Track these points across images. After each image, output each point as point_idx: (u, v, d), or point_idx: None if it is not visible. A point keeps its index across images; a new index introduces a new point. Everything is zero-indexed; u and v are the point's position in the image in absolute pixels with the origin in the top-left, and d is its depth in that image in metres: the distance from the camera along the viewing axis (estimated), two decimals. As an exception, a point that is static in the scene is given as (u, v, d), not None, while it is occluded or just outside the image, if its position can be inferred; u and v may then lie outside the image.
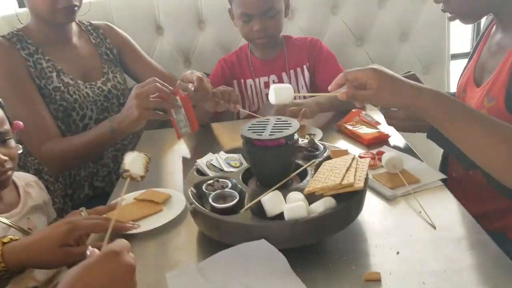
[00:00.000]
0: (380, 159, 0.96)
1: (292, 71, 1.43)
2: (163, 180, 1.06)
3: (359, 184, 0.72)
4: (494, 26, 1.00)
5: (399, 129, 1.08)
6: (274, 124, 0.80)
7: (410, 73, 1.02)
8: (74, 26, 1.33)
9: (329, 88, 0.81)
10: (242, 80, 1.47)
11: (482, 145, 0.70)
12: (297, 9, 1.73)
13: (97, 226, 0.76)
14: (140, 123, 1.09)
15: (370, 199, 0.87)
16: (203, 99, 1.15)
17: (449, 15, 0.94)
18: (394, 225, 0.80)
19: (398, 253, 0.71)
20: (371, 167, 0.94)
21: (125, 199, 0.93)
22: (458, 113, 0.71)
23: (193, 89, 1.10)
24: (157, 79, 1.07)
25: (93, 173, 1.32)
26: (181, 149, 1.24)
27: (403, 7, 1.70)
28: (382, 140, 1.09)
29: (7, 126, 0.89)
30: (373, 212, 0.83)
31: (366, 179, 0.76)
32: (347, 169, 0.76)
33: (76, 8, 1.20)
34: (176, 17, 1.70)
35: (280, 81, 1.44)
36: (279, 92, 0.86)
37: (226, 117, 1.44)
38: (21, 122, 0.94)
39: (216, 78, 1.45)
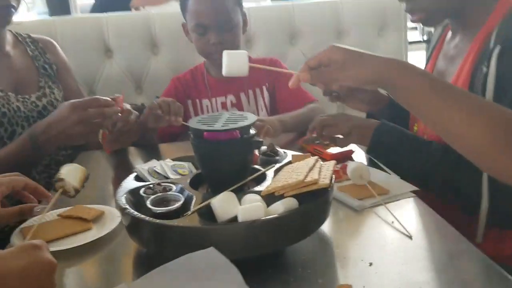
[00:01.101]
0: (345, 172, 0.88)
1: (251, 91, 1.36)
2: (96, 198, 0.90)
3: (325, 181, 0.62)
4: (449, 33, 1.00)
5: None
6: (228, 117, 0.70)
7: None
8: (8, 35, 1.20)
9: (290, 83, 0.71)
10: (197, 100, 1.37)
11: (456, 119, 0.60)
12: (255, 37, 1.69)
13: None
14: (77, 140, 0.98)
15: (336, 209, 0.77)
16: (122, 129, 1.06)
17: (414, 16, 0.91)
18: (364, 236, 0.70)
19: (371, 264, 0.60)
20: (336, 179, 0.85)
21: (46, 216, 0.77)
22: (431, 86, 0.61)
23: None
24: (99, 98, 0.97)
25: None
26: (119, 166, 1.12)
27: (359, 39, 1.71)
28: (345, 155, 1.01)
29: None
30: (339, 223, 0.73)
31: (332, 179, 0.66)
32: (310, 169, 0.66)
33: (12, 9, 1.08)
34: (127, 40, 1.61)
35: (238, 101, 1.35)
36: (232, 58, 0.73)
37: (181, 139, 1.31)
38: None
39: (168, 97, 1.33)
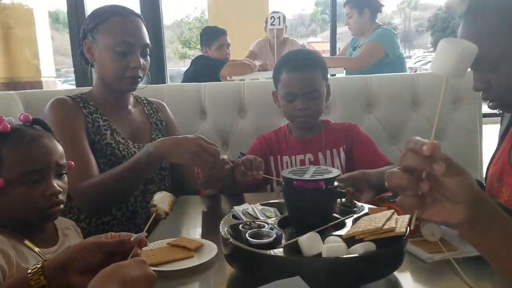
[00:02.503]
0: (418, 230, 0.94)
1: (328, 152, 1.48)
2: (197, 233, 1.08)
3: (401, 230, 0.71)
4: None
5: None
6: (315, 170, 0.83)
7: None
8: (131, 98, 1.48)
9: (426, 147, 0.55)
10: (278, 156, 1.52)
11: None
12: (333, 104, 1.84)
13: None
14: (183, 161, 1.19)
15: (408, 260, 0.83)
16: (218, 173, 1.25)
17: (490, 103, 0.94)
18: (431, 286, 0.76)
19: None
20: (410, 236, 0.92)
21: (159, 243, 0.94)
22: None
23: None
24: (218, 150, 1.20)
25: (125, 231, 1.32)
26: (213, 208, 1.28)
27: (434, 110, 1.78)
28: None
29: (65, 161, 0.95)
30: (410, 272, 0.79)
31: (407, 229, 0.74)
32: (388, 219, 0.76)
33: (139, 79, 1.35)
34: (220, 104, 1.85)
35: (316, 160, 1.48)
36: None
37: (261, 190, 1.47)
38: (72, 162, 1.00)
39: (253, 152, 1.51)
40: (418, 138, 0.56)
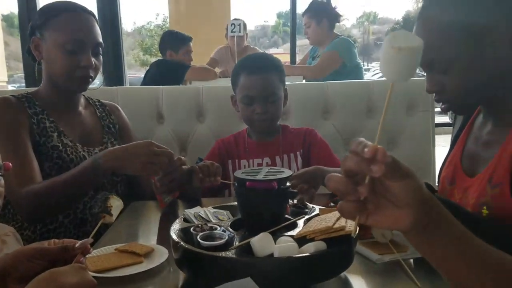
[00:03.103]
0: (369, 231, 0.95)
1: (285, 155, 1.49)
2: (148, 238, 1.05)
3: (351, 228, 0.71)
4: (480, 117, 1.02)
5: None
6: (268, 171, 0.82)
7: None
8: (82, 99, 1.41)
9: (368, 149, 0.52)
10: (236, 160, 1.52)
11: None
12: (292, 110, 1.86)
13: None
14: (135, 172, 1.16)
15: (359, 261, 0.84)
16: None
17: (443, 105, 0.95)
18: (380, 286, 0.77)
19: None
20: (361, 237, 0.92)
21: (106, 249, 0.90)
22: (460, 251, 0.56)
23: None
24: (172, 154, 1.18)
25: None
26: (168, 213, 1.24)
27: (390, 115, 1.84)
28: None
29: (0, 162, 0.89)
30: (360, 272, 0.80)
31: (357, 228, 0.75)
32: (338, 219, 0.76)
33: (90, 79, 1.30)
34: (177, 108, 1.82)
35: (273, 163, 1.48)
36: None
37: (220, 194, 1.45)
38: (9, 164, 0.94)
39: (212, 157, 1.50)
40: (361, 139, 0.53)
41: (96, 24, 1.31)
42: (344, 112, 1.87)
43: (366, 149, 0.50)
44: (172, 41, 3.02)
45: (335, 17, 2.88)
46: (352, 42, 2.91)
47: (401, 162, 0.53)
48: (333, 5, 2.89)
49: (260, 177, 0.78)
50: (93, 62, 1.28)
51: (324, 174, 1.23)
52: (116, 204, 0.88)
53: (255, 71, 1.43)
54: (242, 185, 0.79)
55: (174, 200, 1.32)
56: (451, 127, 1.21)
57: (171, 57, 2.99)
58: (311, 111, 1.87)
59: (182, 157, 1.26)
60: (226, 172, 1.49)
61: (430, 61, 0.88)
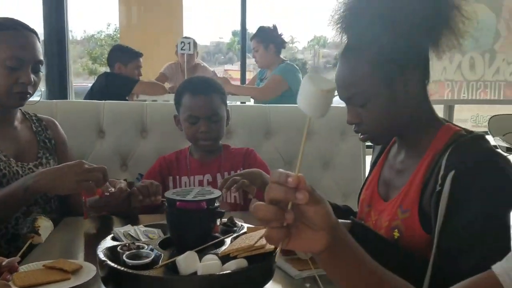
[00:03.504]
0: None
1: (226, 173, 1.53)
2: (76, 255, 1.04)
3: (271, 247, 0.77)
4: (395, 146, 1.11)
5: None
6: (198, 191, 0.86)
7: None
8: (18, 113, 1.39)
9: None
10: (177, 177, 1.54)
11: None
12: (235, 130, 1.91)
13: None
14: (68, 191, 1.17)
15: (280, 276, 0.89)
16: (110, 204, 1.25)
17: (361, 136, 1.03)
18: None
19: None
20: (285, 253, 0.98)
21: (33, 265, 0.89)
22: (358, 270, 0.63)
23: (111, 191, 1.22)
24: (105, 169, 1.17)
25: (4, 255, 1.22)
26: (100, 230, 1.24)
27: (324, 140, 1.95)
28: None
29: None
30: (280, 286, 0.85)
31: (277, 248, 0.80)
32: (261, 237, 0.81)
33: (28, 95, 1.29)
34: (120, 124, 1.81)
35: (214, 181, 1.52)
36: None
37: (159, 211, 1.45)
38: None
39: (153, 173, 1.52)
40: (281, 170, 0.58)
41: (38, 42, 1.32)
42: (285, 134, 1.95)
43: (290, 179, 0.55)
44: (122, 54, 3.01)
45: (281, 43, 3.02)
46: (297, 68, 3.05)
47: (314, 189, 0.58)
48: (279, 32, 3.02)
49: (190, 197, 0.82)
50: (32, 79, 1.28)
51: (265, 180, 1.34)
52: (44, 224, 0.89)
53: (199, 92, 1.49)
54: (172, 205, 0.82)
55: (109, 216, 1.32)
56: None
57: (120, 70, 2.97)
58: (254, 132, 1.94)
59: (123, 185, 1.25)
60: (167, 189, 1.50)
61: (350, 95, 0.96)
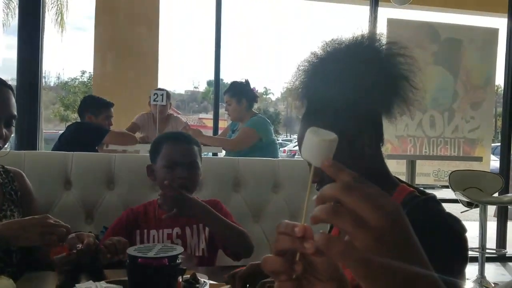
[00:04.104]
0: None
1: (195, 226, 1.54)
2: None
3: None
4: None
5: None
6: (160, 248, 0.88)
7: None
8: None
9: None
10: (145, 231, 1.53)
11: None
12: (205, 181, 1.93)
13: None
14: (31, 243, 1.16)
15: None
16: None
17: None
18: None
19: None
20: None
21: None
22: None
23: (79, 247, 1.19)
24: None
25: None
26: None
27: (291, 192, 1.99)
28: None
29: None
30: None
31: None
32: (223, 295, 0.83)
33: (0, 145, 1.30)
34: (87, 175, 1.81)
35: (183, 233, 1.52)
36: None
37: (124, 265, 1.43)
38: None
39: (119, 225, 1.50)
40: (287, 221, 0.57)
41: (12, 97, 1.35)
42: (253, 186, 1.99)
43: (296, 229, 0.54)
44: (93, 105, 3.04)
45: (254, 97, 3.14)
46: (268, 121, 3.16)
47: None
48: (252, 87, 3.14)
49: (151, 254, 0.83)
50: (4, 133, 1.30)
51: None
52: (4, 284, 0.87)
53: (180, 141, 1.56)
54: (134, 261, 0.83)
55: (74, 270, 1.29)
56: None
57: (90, 120, 2.99)
58: (223, 184, 1.96)
59: (91, 239, 1.23)
60: (134, 242, 1.49)
61: None
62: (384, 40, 1.02)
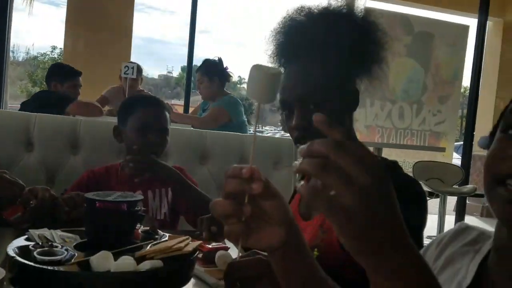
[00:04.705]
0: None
1: (157, 190, 1.53)
2: None
3: (188, 248, 0.79)
4: None
5: None
6: (119, 195, 0.87)
7: None
8: None
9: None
10: None
11: None
12: (170, 153, 1.92)
13: None
14: None
15: (200, 285, 0.91)
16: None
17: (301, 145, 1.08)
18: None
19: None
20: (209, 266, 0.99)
21: None
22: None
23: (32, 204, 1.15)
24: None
25: None
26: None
27: (259, 168, 2.00)
28: (221, 250, 1.15)
29: None
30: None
31: (196, 250, 0.82)
32: (179, 242, 0.83)
33: None
34: (50, 138, 1.76)
35: (145, 196, 1.49)
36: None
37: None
38: None
39: (79, 185, 1.47)
40: (235, 165, 0.58)
41: None
42: (220, 160, 1.99)
43: (244, 170, 0.55)
44: (59, 73, 2.95)
45: (226, 76, 3.11)
46: (240, 102, 3.14)
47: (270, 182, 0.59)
48: (225, 66, 3.12)
49: (110, 198, 0.83)
50: None
51: None
52: None
53: (153, 105, 1.54)
54: (92, 205, 0.82)
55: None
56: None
57: (56, 89, 2.90)
58: (189, 155, 1.96)
59: (47, 194, 1.19)
60: None
61: (306, 92, 0.99)
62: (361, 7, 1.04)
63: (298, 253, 0.61)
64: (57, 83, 2.90)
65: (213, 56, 3.13)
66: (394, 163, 1.01)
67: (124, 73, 2.99)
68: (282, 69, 0.66)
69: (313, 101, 0.98)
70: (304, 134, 1.00)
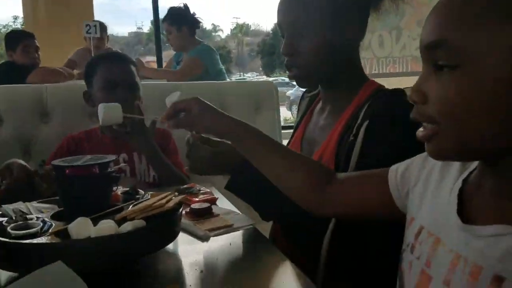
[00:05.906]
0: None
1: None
2: None
3: (170, 205, 0.75)
4: (318, 106, 1.11)
5: (202, 172, 1.02)
6: (90, 158, 0.82)
7: None
8: None
9: (161, 119, 0.84)
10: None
11: (282, 173, 0.78)
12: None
13: None
14: None
15: (189, 238, 0.88)
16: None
17: (290, 73, 1.00)
18: (206, 257, 0.82)
19: (201, 271, 0.73)
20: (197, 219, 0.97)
21: None
22: (265, 145, 0.80)
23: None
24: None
25: None
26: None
27: (238, 114, 1.95)
28: (210, 202, 1.12)
29: None
30: (191, 245, 0.85)
31: (180, 204, 0.79)
32: (161, 198, 0.79)
33: None
34: (17, 109, 1.67)
35: (131, 159, 1.44)
36: (108, 110, 0.93)
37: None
38: None
39: (60, 153, 1.38)
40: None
41: None
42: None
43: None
44: (10, 39, 2.77)
45: (194, 23, 2.95)
46: (214, 49, 3.01)
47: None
48: (192, 12, 2.95)
49: (79, 163, 0.78)
50: None
51: None
52: None
53: (115, 60, 1.45)
54: (61, 172, 0.77)
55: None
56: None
57: (11, 57, 2.74)
58: (165, 110, 1.89)
59: (21, 173, 1.12)
60: None
61: (294, 19, 0.95)
62: None
63: (252, 138, 0.81)
64: (11, 51, 2.73)
65: (178, 3, 2.96)
66: (398, 91, 0.94)
67: (87, 33, 2.82)
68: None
69: (298, 28, 0.95)
70: (290, 62, 0.97)
